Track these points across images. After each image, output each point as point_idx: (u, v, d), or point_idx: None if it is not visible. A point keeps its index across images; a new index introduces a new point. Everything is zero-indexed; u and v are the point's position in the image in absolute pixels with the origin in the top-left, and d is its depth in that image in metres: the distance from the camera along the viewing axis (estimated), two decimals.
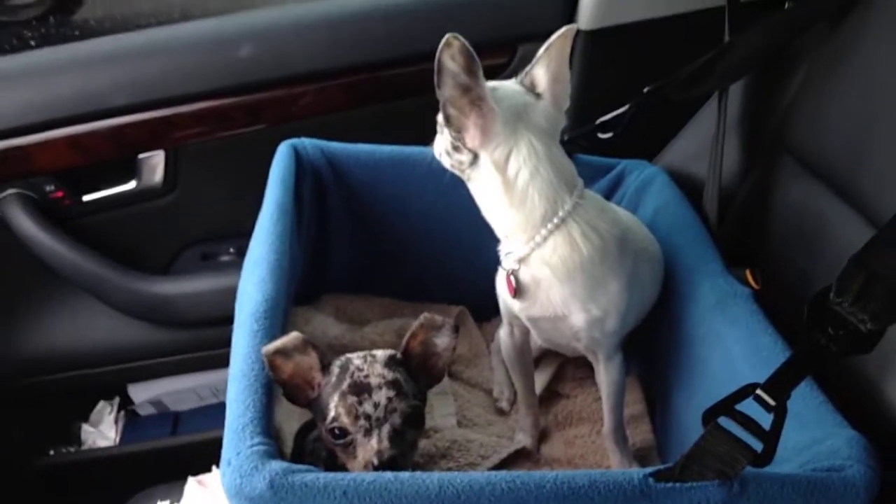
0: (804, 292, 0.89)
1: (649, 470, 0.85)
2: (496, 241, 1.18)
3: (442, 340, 1.03)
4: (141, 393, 1.87)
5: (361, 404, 0.94)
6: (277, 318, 1.08)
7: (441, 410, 1.42)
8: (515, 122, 1.09)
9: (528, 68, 1.14)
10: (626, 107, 1.38)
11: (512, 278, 1.16)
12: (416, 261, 1.57)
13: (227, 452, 0.88)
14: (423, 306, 1.58)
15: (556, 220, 1.10)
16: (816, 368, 0.90)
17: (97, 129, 1.60)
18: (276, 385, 0.99)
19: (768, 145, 1.42)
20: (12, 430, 1.83)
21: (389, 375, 0.96)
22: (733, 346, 1.12)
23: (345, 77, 1.65)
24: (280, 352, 0.97)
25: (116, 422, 1.86)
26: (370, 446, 0.93)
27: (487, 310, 1.52)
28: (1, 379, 1.77)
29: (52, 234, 1.65)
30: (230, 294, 1.19)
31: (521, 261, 1.14)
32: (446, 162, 1.15)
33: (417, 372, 1.02)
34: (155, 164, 1.66)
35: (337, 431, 0.95)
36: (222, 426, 0.95)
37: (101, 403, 1.88)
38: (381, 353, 1.00)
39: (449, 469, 1.27)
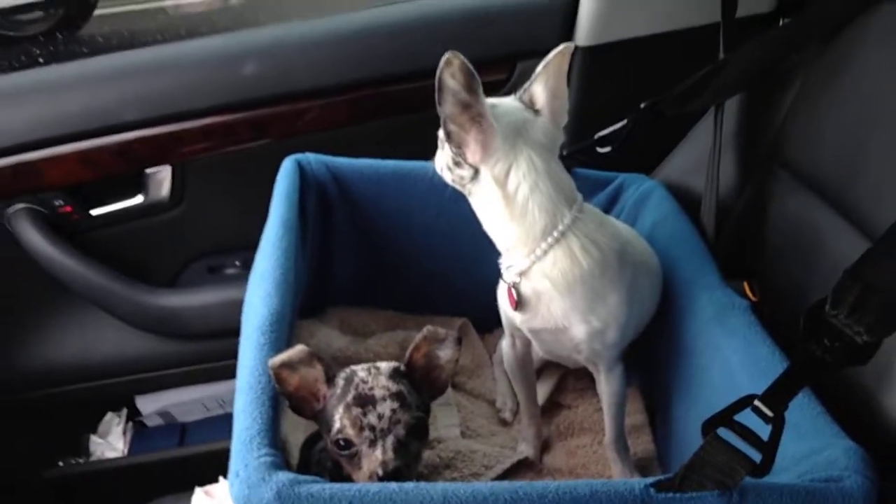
0: (801, 304, 0.90)
1: (650, 480, 0.86)
2: (497, 254, 1.19)
3: (445, 353, 1.04)
4: (148, 404, 1.88)
5: (366, 416, 0.95)
6: (283, 332, 1.10)
7: (445, 421, 1.43)
8: (515, 137, 1.11)
9: (526, 85, 1.15)
10: (624, 122, 1.40)
11: (513, 291, 1.17)
12: (418, 273, 1.58)
13: (234, 464, 0.89)
14: (426, 318, 1.59)
15: (555, 234, 1.12)
16: (813, 380, 0.92)
17: (106, 144, 1.61)
18: (282, 397, 1.01)
19: (764, 159, 1.43)
20: (22, 442, 1.84)
21: (393, 387, 0.98)
22: (732, 357, 1.13)
23: (349, 93, 1.67)
24: (286, 364, 0.99)
25: (124, 433, 1.87)
26: (375, 457, 0.94)
27: (490, 321, 1.53)
28: (10, 390, 1.78)
29: (60, 248, 1.66)
30: (236, 306, 1.21)
31: (521, 274, 1.15)
32: (447, 177, 1.17)
33: (421, 384, 1.03)
34: (162, 178, 1.68)
35: (342, 443, 0.96)
36: (229, 437, 0.96)
37: (110, 415, 1.90)
38: (385, 366, 1.02)
39: (453, 479, 1.28)
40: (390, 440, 0.95)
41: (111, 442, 1.86)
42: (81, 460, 1.85)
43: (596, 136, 1.44)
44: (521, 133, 1.11)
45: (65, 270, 1.68)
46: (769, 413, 0.84)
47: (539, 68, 1.14)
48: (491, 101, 1.11)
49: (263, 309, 1.11)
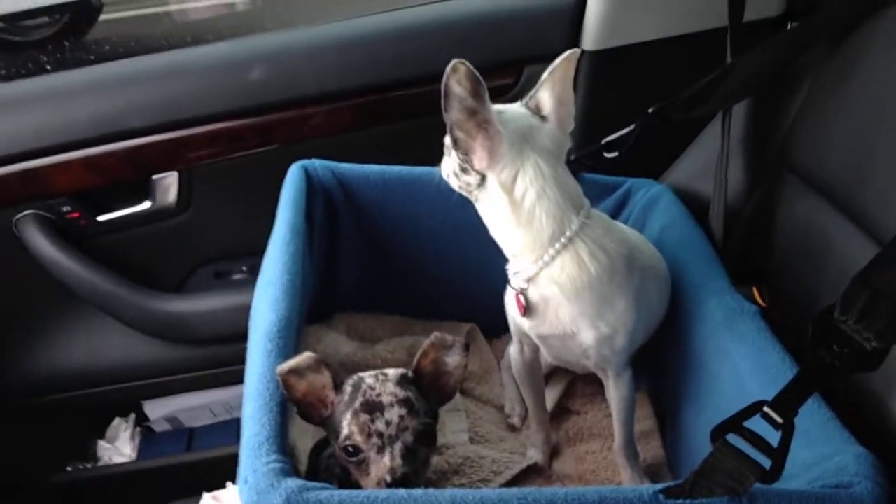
0: (810, 308, 0.90)
1: (659, 486, 0.86)
2: (505, 259, 1.19)
3: (452, 359, 1.04)
4: (156, 409, 1.89)
5: (374, 422, 0.96)
6: (291, 338, 1.10)
7: (453, 427, 1.43)
8: (521, 143, 1.11)
9: (533, 91, 1.15)
10: (632, 127, 1.40)
11: (521, 297, 1.17)
12: (426, 279, 1.58)
13: (243, 470, 0.89)
14: (433, 324, 1.59)
15: (563, 240, 1.11)
16: (822, 386, 0.91)
17: (113, 150, 1.62)
18: (290, 403, 1.01)
19: (772, 163, 1.43)
20: (30, 447, 1.85)
21: (401, 394, 0.98)
22: (741, 362, 1.13)
23: (354, 98, 1.67)
24: (294, 371, 0.99)
25: (132, 438, 1.87)
26: (383, 464, 0.95)
27: (498, 327, 1.52)
28: (18, 395, 1.79)
29: (68, 253, 1.67)
30: (243, 312, 1.21)
31: (529, 280, 1.15)
32: (454, 183, 1.17)
33: (429, 390, 1.03)
34: (168, 184, 1.69)
35: (350, 449, 0.97)
36: (236, 442, 0.96)
37: (117, 420, 1.90)
38: (392, 372, 1.02)
39: (461, 485, 1.28)
40: (398, 447, 0.95)
41: (119, 447, 1.86)
42: (89, 465, 1.85)
43: (603, 141, 1.44)
44: (527, 139, 1.11)
45: (72, 276, 1.69)
46: (779, 419, 0.84)
47: (545, 75, 1.14)
48: (497, 107, 1.10)
49: (271, 315, 1.11)
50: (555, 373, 1.51)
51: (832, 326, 0.86)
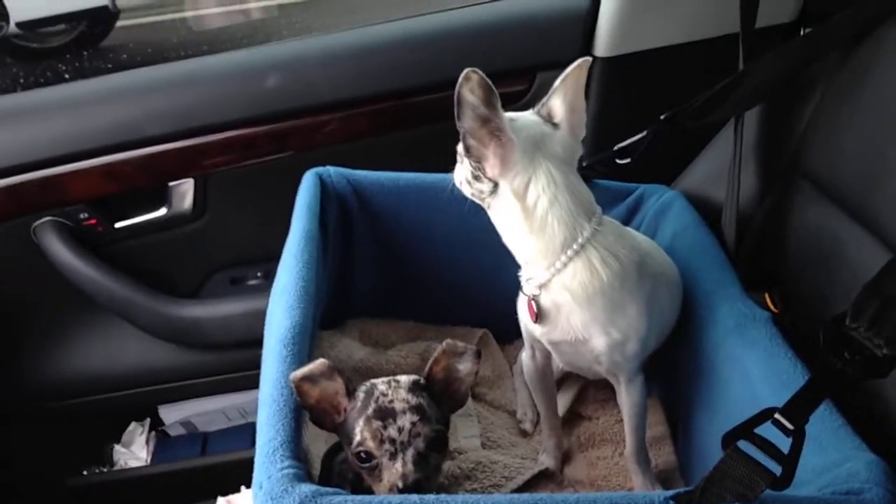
0: (822, 315, 0.90)
1: (670, 493, 0.86)
2: (517, 265, 1.20)
3: (464, 366, 1.05)
4: (171, 414, 1.90)
5: (386, 429, 0.96)
6: (305, 344, 1.11)
7: (465, 432, 1.44)
8: (534, 151, 1.11)
9: (545, 99, 1.16)
10: (644, 133, 1.40)
11: (533, 303, 1.18)
12: (439, 285, 1.59)
13: (258, 475, 0.90)
14: (446, 329, 1.60)
15: (575, 247, 1.12)
16: (833, 393, 0.91)
17: (130, 158, 1.64)
18: (304, 410, 1.02)
19: (785, 170, 1.43)
20: (46, 450, 1.87)
21: (413, 400, 0.99)
22: (753, 368, 1.13)
23: (368, 105, 1.69)
24: (307, 378, 1.00)
25: (147, 442, 1.89)
26: (395, 470, 0.95)
27: (510, 332, 1.54)
28: (36, 401, 1.81)
29: (85, 260, 1.69)
30: (258, 317, 1.22)
31: (541, 286, 1.16)
32: (466, 191, 1.18)
33: (440, 397, 1.04)
34: (184, 191, 1.70)
35: (363, 455, 0.97)
36: (250, 447, 0.98)
37: (133, 424, 1.92)
38: (404, 379, 1.02)
39: (473, 490, 1.29)
40: (410, 453, 0.96)
41: (134, 451, 1.88)
42: (105, 469, 1.87)
43: (615, 148, 1.44)
44: (539, 147, 1.12)
45: (89, 282, 1.71)
46: (789, 426, 0.84)
47: (557, 83, 1.15)
48: (509, 115, 1.11)
49: (286, 321, 1.12)
50: (566, 378, 1.51)
51: (843, 333, 0.86)
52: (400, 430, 0.96)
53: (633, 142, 1.42)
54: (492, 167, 1.11)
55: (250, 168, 1.70)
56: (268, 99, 1.67)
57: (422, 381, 1.04)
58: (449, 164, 1.22)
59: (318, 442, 1.21)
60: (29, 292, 1.77)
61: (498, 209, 1.15)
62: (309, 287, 1.20)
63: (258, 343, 1.15)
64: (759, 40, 1.39)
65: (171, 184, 1.70)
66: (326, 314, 1.43)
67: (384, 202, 1.51)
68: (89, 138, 1.63)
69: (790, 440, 0.84)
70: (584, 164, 1.43)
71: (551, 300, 1.16)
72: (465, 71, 1.02)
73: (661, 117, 1.39)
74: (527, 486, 1.32)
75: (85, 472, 1.86)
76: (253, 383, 1.09)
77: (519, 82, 1.69)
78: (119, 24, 3.83)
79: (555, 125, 1.15)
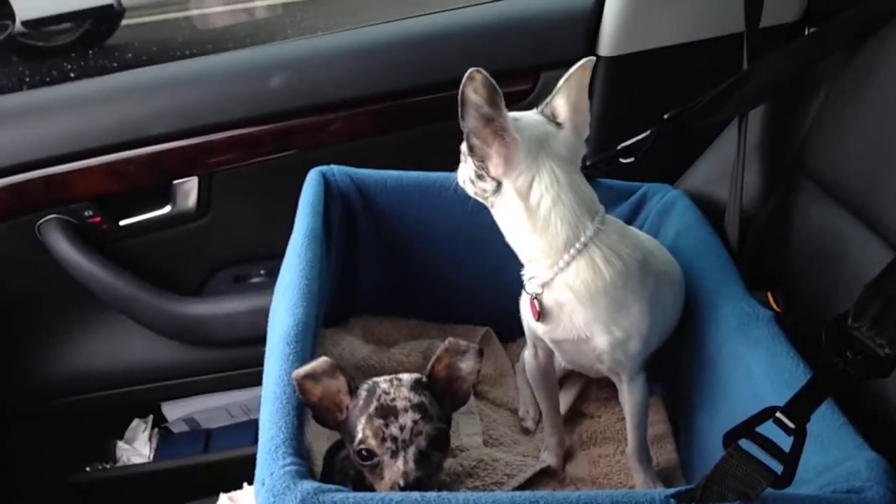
0: (825, 315, 0.90)
1: (671, 491, 0.86)
2: (520, 264, 1.20)
3: (466, 364, 1.05)
4: (174, 411, 1.91)
5: (388, 427, 0.96)
6: (308, 342, 1.11)
7: (467, 430, 1.44)
8: (537, 150, 1.12)
9: (548, 99, 1.16)
10: (647, 133, 1.40)
11: (535, 302, 1.18)
12: (442, 283, 1.59)
13: (260, 472, 0.90)
14: (449, 327, 1.61)
15: (578, 246, 1.12)
16: (835, 392, 0.91)
17: (134, 156, 1.65)
18: (306, 407, 1.02)
19: (788, 169, 1.43)
20: (50, 447, 1.88)
21: (415, 399, 0.99)
22: (755, 367, 1.13)
23: (372, 104, 1.69)
24: (309, 376, 1.00)
25: (150, 439, 1.90)
26: (396, 468, 0.95)
27: (512, 330, 1.54)
28: (40, 397, 1.82)
29: (89, 257, 1.70)
30: (261, 315, 1.22)
31: (544, 285, 1.16)
32: (470, 190, 1.18)
33: (442, 395, 1.04)
34: (189, 189, 1.71)
35: (364, 453, 0.97)
36: (253, 444, 0.98)
37: (136, 421, 1.93)
38: (406, 377, 1.03)
39: (475, 488, 1.29)
40: (412, 451, 0.96)
41: (137, 448, 1.89)
42: (108, 466, 1.88)
43: (619, 147, 1.44)
44: (543, 146, 1.12)
45: (93, 279, 1.71)
46: (791, 425, 0.84)
47: (560, 82, 1.15)
48: (513, 114, 1.12)
49: (289, 319, 1.12)
50: (569, 376, 1.51)
51: (845, 333, 0.86)
52: (402, 429, 0.96)
53: (636, 141, 1.42)
54: (495, 166, 1.11)
55: (254, 166, 1.71)
56: (272, 98, 1.67)
57: (424, 379, 1.04)
58: (452, 164, 1.22)
59: (320, 439, 1.22)
60: (33, 290, 1.78)
61: (501, 208, 1.16)
62: (312, 285, 1.20)
63: (261, 340, 1.15)
64: (763, 40, 1.39)
65: (176, 182, 1.70)
66: (330, 312, 1.43)
67: (388, 201, 1.51)
68: (94, 137, 1.64)
69: (791, 439, 0.84)
70: (588, 163, 1.43)
71: (554, 299, 1.16)
72: (470, 70, 1.03)
73: (665, 117, 1.39)
74: (528, 484, 1.32)
75: (88, 469, 1.86)
76: (256, 381, 1.10)
77: (523, 82, 1.69)
78: (124, 22, 3.83)
79: (558, 125, 1.16)
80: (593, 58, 1.15)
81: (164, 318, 1.76)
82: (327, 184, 1.45)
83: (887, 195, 1.20)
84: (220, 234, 1.77)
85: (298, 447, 0.94)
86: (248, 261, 1.82)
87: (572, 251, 1.12)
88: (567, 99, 1.14)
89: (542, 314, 1.18)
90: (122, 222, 1.73)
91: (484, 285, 1.55)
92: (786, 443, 0.84)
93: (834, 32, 1.38)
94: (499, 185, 1.13)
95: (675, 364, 1.36)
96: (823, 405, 0.89)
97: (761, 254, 1.42)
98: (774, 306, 1.26)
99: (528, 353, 1.36)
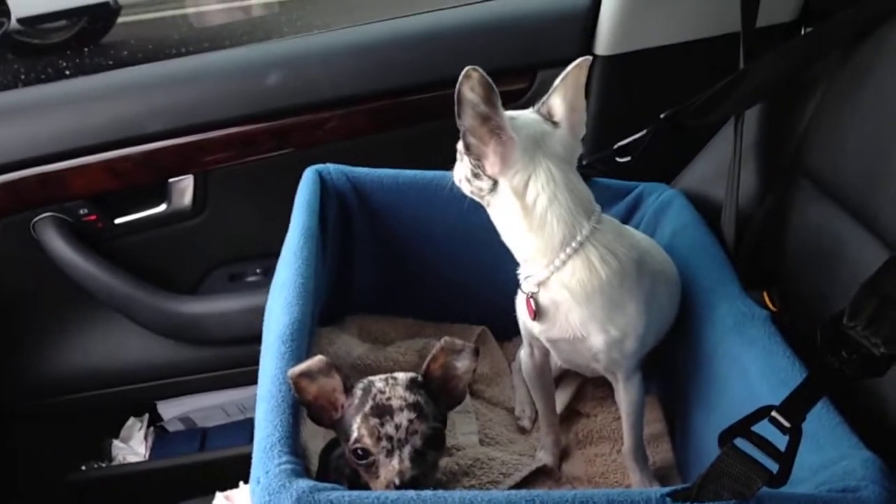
0: (821, 314, 0.90)
1: (667, 490, 0.86)
2: (516, 263, 1.20)
3: (462, 363, 1.05)
4: (170, 410, 1.91)
5: (383, 426, 0.96)
6: (303, 340, 1.11)
7: (463, 429, 1.44)
8: (534, 149, 1.12)
9: (545, 98, 1.16)
10: (644, 132, 1.40)
11: (531, 301, 1.18)
12: (438, 282, 1.59)
13: (256, 471, 0.90)
14: (445, 326, 1.61)
15: (574, 245, 1.12)
16: (831, 391, 0.91)
17: (130, 154, 1.65)
18: (302, 406, 1.02)
19: (785, 168, 1.43)
20: (45, 446, 1.88)
21: (410, 398, 0.99)
22: (750, 367, 1.13)
23: (369, 103, 1.69)
24: (305, 374, 1.00)
25: (146, 438, 1.90)
26: (392, 467, 0.95)
27: (508, 329, 1.53)
28: (35, 396, 1.82)
29: (85, 255, 1.70)
30: (256, 313, 1.22)
31: (540, 284, 1.16)
32: (466, 188, 1.18)
33: (438, 394, 1.04)
34: (184, 187, 1.71)
35: (360, 452, 0.97)
36: (249, 442, 0.98)
37: (132, 420, 1.93)
38: (402, 376, 1.03)
39: (471, 487, 1.29)
40: (407, 450, 0.96)
41: (133, 446, 1.89)
42: (104, 464, 1.88)
43: (615, 146, 1.44)
44: (539, 145, 1.12)
45: (89, 278, 1.71)
46: (787, 424, 0.84)
47: (557, 82, 1.15)
48: (510, 113, 1.12)
49: (284, 317, 1.12)
50: (565, 376, 1.51)
51: (841, 332, 0.87)
52: (397, 428, 0.96)
53: (632, 140, 1.42)
54: (492, 165, 1.11)
55: (250, 165, 1.71)
56: (268, 96, 1.67)
57: (419, 378, 1.04)
58: (448, 162, 1.22)
59: (315, 438, 1.21)
60: (28, 288, 1.78)
61: (497, 207, 1.15)
62: (308, 284, 1.20)
63: (257, 339, 1.15)
64: (759, 39, 1.39)
65: (171, 180, 1.70)
66: (325, 311, 1.43)
67: (384, 199, 1.51)
68: (90, 134, 1.63)
69: (787, 438, 0.84)
70: (584, 162, 1.44)
71: (550, 298, 1.16)
72: (466, 69, 1.03)
73: (662, 116, 1.39)
74: (525, 483, 1.32)
75: (83, 468, 1.86)
76: (252, 379, 1.09)
77: (520, 80, 1.69)
78: (120, 20, 3.83)
79: (555, 124, 1.15)
80: (590, 57, 1.15)
81: (159, 317, 1.76)
82: (323, 182, 1.45)
83: (885, 194, 1.20)
84: (215, 233, 1.77)
85: (294, 446, 0.94)
86: (244, 259, 1.82)
87: (568, 250, 1.12)
88: (563, 98, 1.14)
89: (538, 313, 1.18)
90: (118, 220, 1.73)
91: (480, 284, 1.55)
92: (781, 442, 0.84)
93: (831, 32, 1.38)
94: (495, 183, 1.13)
95: (671, 363, 1.36)
96: (819, 404, 0.89)
97: (757, 253, 1.42)
98: (770, 306, 1.26)
99: (524, 353, 1.36)
